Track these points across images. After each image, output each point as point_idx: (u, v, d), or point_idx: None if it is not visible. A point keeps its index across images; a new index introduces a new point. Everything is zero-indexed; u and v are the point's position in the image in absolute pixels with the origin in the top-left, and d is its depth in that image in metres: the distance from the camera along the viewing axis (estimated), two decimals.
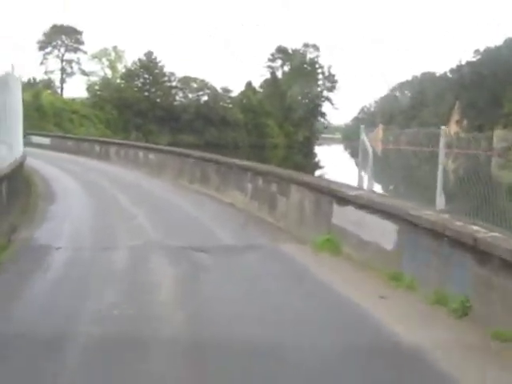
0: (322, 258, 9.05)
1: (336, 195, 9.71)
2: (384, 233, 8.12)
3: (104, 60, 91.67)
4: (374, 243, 8.41)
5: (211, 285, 7.28)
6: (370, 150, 9.94)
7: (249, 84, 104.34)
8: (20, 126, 15.99)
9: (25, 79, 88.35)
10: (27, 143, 35.83)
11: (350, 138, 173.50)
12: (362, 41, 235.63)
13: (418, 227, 7.22)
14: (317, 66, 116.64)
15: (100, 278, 7.36)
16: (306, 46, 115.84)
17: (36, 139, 34.83)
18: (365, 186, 10.17)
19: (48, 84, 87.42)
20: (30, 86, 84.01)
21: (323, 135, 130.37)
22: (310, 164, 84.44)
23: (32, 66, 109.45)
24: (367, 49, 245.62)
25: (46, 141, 33.57)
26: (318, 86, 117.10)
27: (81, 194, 15.79)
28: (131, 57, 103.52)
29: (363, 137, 10.39)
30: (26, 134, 37.18)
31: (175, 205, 14.66)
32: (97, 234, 10.42)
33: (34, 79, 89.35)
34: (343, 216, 9.49)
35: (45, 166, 22.92)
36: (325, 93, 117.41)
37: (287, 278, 7.89)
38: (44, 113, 71.09)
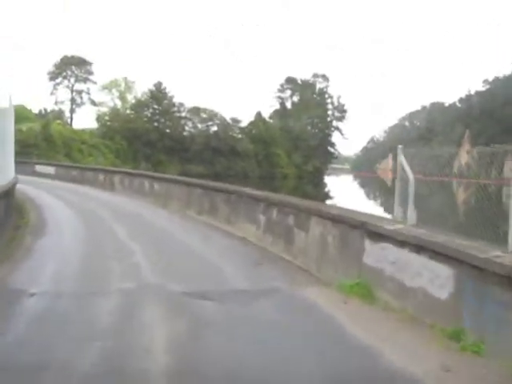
0: (353, 306, 7.34)
1: (369, 229, 8.02)
2: (435, 278, 6.41)
3: (114, 91, 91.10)
4: (420, 290, 6.70)
5: (214, 350, 5.48)
6: (411, 177, 8.27)
7: (258, 114, 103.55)
8: (11, 152, 16.73)
9: (36, 110, 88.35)
10: (31, 172, 34.68)
11: (359, 168, 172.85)
12: (371, 71, 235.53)
13: (486, 273, 5.53)
14: (326, 95, 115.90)
15: (71, 343, 5.46)
16: (315, 76, 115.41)
17: (40, 168, 33.52)
18: (401, 216, 8.50)
19: (58, 114, 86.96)
20: (41, 116, 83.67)
21: (332, 165, 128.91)
22: (320, 194, 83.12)
23: (42, 96, 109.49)
24: (376, 78, 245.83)
25: (50, 170, 32.21)
26: (328, 115, 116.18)
27: (75, 226, 14.18)
28: (141, 87, 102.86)
29: (402, 159, 8.72)
30: (30, 163, 35.94)
31: (180, 239, 12.99)
32: (84, 276, 8.74)
33: (45, 110, 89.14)
34: (378, 255, 7.79)
35: (43, 195, 21.44)
36: (334, 123, 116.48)
37: (314, 337, 6.13)
38: (53, 143, 70.19)
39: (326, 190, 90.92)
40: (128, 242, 11.83)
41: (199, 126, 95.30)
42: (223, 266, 9.78)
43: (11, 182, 14.64)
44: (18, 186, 25.44)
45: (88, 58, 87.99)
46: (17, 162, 38.13)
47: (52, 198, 20.90)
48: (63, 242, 11.77)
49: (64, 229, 13.66)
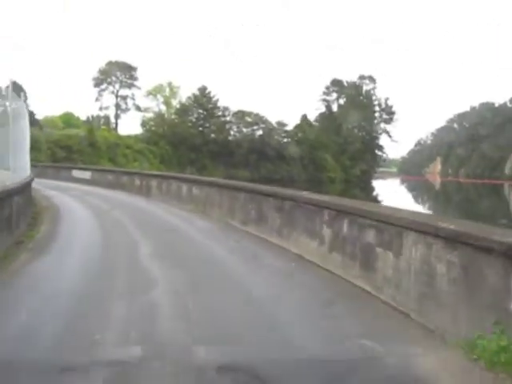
0: None
1: None
2: None
3: (159, 96, 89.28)
4: None
5: None
6: None
7: (304, 117, 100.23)
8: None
9: (84, 117, 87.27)
10: (67, 178, 32.33)
11: (406, 171, 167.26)
12: (420, 69, 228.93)
13: None
14: (373, 97, 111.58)
15: None
16: (361, 77, 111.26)
17: (77, 173, 31.12)
18: None
19: (103, 120, 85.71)
20: (88, 123, 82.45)
21: (379, 169, 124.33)
22: (368, 198, 79.42)
23: (89, 102, 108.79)
24: (423, 79, 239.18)
25: (86, 175, 29.73)
26: (375, 118, 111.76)
27: (90, 241, 11.19)
28: (186, 91, 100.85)
29: None
30: (67, 168, 33.65)
31: (219, 261, 9.76)
32: (66, 331, 5.53)
33: (93, 116, 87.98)
34: None
35: (69, 203, 18.78)
36: (382, 125, 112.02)
37: None
38: (98, 148, 68.61)
39: (374, 193, 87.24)
40: (150, 265, 8.75)
41: (244, 130, 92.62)
42: (279, 310, 6.54)
43: (17, 182, 11.91)
44: (46, 192, 23.02)
45: (132, 63, 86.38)
46: (55, 168, 35.93)
47: (79, 205, 18.15)
48: (64, 265, 8.74)
49: (75, 247, 10.68)
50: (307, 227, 10.34)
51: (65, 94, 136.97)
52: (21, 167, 13.90)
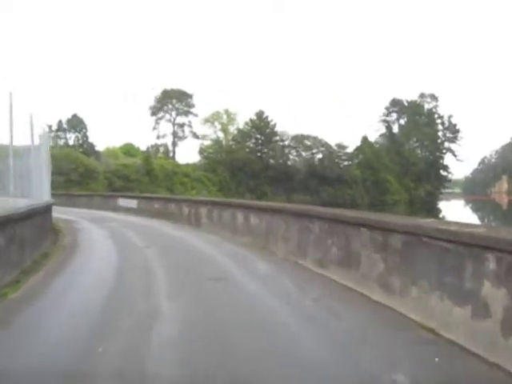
0: None
1: None
2: None
3: (216, 123, 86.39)
4: None
5: None
6: None
7: (365, 139, 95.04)
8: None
9: (143, 147, 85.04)
10: (112, 207, 28.78)
11: (471, 191, 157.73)
12: (482, 85, 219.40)
13: None
14: (435, 116, 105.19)
15: None
16: (422, 96, 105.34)
17: (123, 202, 27.46)
18: None
19: (160, 148, 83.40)
20: (147, 153, 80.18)
21: (444, 190, 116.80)
22: None
23: (146, 131, 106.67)
24: (485, 95, 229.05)
25: (132, 203, 25.98)
26: (438, 137, 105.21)
27: (89, 305, 6.98)
28: (242, 117, 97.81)
29: None
30: (114, 197, 30.16)
31: (292, 349, 5.28)
32: None
33: (153, 146, 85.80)
34: None
35: (96, 238, 14.85)
36: (446, 144, 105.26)
37: None
38: (155, 177, 65.90)
39: (441, 216, 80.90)
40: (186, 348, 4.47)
41: (303, 153, 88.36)
42: None
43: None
44: (78, 224, 19.29)
45: (188, 90, 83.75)
46: (101, 196, 32.49)
47: (107, 242, 14.13)
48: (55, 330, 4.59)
49: (78, 302, 6.61)
50: (443, 280, 5.78)
51: (125, 124, 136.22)
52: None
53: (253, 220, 14.26)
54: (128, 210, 25.57)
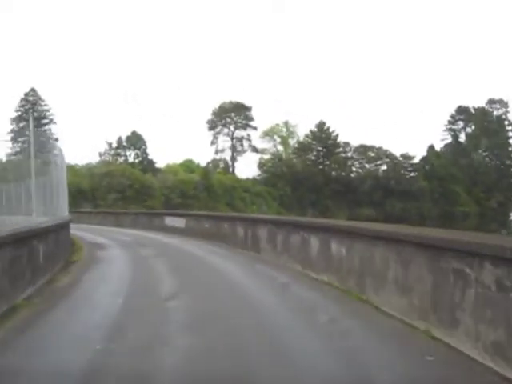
0: None
1: None
2: None
3: (275, 137, 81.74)
4: None
5: None
6: None
7: (431, 148, 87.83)
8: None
9: (203, 162, 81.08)
10: (158, 226, 24.31)
11: None
12: None
13: None
14: (506, 122, 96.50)
15: None
16: (491, 102, 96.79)
17: (169, 221, 22.95)
18: None
19: (219, 163, 79.41)
20: (207, 168, 76.35)
21: None
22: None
23: (204, 146, 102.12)
24: None
25: (180, 222, 21.39)
26: (509, 144, 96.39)
27: None
28: (302, 129, 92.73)
29: None
30: (161, 215, 25.80)
31: None
32: None
33: (212, 161, 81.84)
34: None
35: (118, 273, 10.24)
36: None
37: None
38: (214, 192, 61.75)
39: None
40: None
41: (367, 165, 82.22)
42: None
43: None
44: (109, 250, 14.92)
45: (246, 103, 79.21)
46: (147, 215, 28.13)
47: (123, 286, 9.44)
48: None
49: None
50: None
51: (183, 140, 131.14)
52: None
53: (335, 248, 9.19)
54: (174, 231, 21.05)
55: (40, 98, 72.23)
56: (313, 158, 79.17)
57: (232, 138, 79.18)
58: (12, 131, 68.39)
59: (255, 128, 79.70)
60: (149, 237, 19.18)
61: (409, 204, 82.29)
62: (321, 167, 78.53)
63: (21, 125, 70.71)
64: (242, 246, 14.81)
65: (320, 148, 78.63)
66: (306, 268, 10.11)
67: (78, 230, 23.08)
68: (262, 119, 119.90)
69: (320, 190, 75.99)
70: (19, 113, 71.22)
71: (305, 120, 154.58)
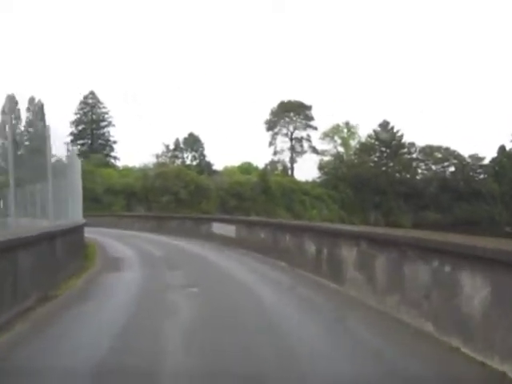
0: None
1: None
2: None
3: (336, 137, 76.06)
4: None
5: None
6: None
7: (502, 149, 79.77)
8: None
9: (261, 164, 76.22)
10: (205, 234, 19.02)
11: None
12: None
13: None
14: None
15: None
16: None
17: (217, 228, 18.30)
18: None
19: (278, 165, 74.48)
20: (265, 170, 71.72)
21: None
22: None
23: (262, 148, 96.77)
24: None
25: (229, 230, 16.74)
26: None
27: None
28: (364, 128, 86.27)
29: None
30: (208, 220, 20.99)
31: None
32: None
33: (270, 163, 76.89)
34: None
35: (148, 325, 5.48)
36: None
37: None
38: (272, 195, 56.98)
39: None
40: None
41: (433, 167, 75.33)
42: None
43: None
44: (131, 272, 10.21)
45: (306, 102, 73.75)
46: (193, 220, 23.54)
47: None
48: None
49: None
50: None
51: (242, 141, 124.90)
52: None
53: (408, 271, 4.20)
54: (223, 240, 16.47)
55: (99, 101, 69.83)
56: (376, 159, 73.11)
57: (291, 139, 73.99)
58: (71, 134, 66.38)
59: (315, 128, 74.27)
60: (187, 250, 14.71)
61: (479, 208, 74.97)
62: (384, 169, 72.38)
63: (79, 128, 68.73)
64: (312, 270, 9.93)
65: (383, 149, 72.45)
66: (449, 334, 5.10)
67: (108, 237, 19.10)
68: (322, 120, 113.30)
69: (383, 192, 69.94)
70: (78, 116, 69.15)
71: (365, 120, 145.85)
